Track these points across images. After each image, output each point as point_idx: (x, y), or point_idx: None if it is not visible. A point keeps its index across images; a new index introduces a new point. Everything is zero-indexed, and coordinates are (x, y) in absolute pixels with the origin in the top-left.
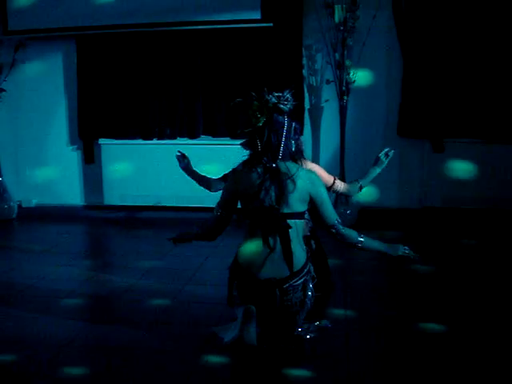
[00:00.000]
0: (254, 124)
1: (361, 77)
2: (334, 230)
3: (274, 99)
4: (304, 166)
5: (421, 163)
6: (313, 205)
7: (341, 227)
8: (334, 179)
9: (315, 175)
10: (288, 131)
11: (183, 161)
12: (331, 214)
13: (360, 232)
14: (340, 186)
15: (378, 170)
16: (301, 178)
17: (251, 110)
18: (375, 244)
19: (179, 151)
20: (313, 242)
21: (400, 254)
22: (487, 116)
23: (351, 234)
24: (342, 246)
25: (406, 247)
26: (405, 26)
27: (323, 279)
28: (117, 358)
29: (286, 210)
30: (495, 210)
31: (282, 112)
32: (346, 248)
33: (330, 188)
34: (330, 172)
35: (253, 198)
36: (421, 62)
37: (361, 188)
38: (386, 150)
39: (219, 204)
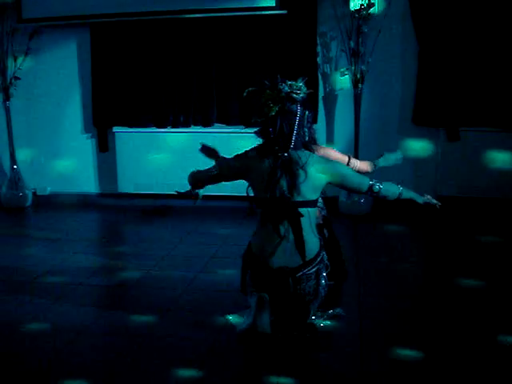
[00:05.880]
0: (266, 113)
1: (376, 65)
2: (370, 193)
3: (286, 88)
4: (317, 153)
5: (436, 152)
6: (338, 185)
7: (377, 188)
8: (349, 158)
9: (326, 160)
10: (301, 120)
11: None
12: (359, 182)
13: (398, 184)
14: (356, 163)
15: (395, 157)
16: (312, 166)
17: (264, 99)
18: (410, 194)
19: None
20: (326, 230)
21: (426, 200)
22: (503, 105)
23: (391, 189)
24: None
25: (428, 196)
26: (420, 12)
27: (337, 267)
28: (132, 344)
29: (297, 199)
30: (511, 200)
31: (294, 101)
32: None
33: None
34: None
35: (264, 187)
36: (436, 50)
37: (375, 165)
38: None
39: (220, 168)
